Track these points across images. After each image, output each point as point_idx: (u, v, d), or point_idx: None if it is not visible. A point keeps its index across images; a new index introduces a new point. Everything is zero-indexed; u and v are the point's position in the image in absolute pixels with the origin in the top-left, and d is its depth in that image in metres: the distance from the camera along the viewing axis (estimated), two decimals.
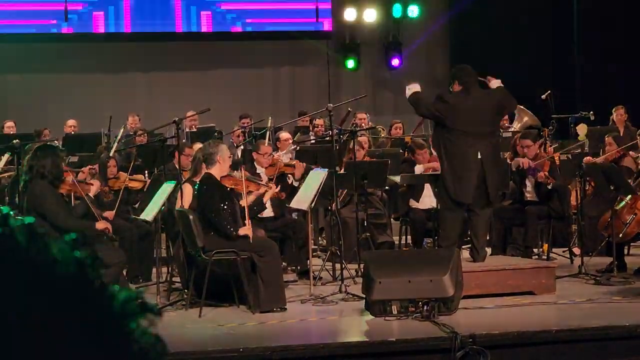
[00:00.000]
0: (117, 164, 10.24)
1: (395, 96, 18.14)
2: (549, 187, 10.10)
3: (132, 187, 10.01)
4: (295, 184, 9.88)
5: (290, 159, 10.84)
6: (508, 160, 10.97)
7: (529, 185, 10.31)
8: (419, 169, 10.59)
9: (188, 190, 8.40)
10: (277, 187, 9.07)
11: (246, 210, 8.11)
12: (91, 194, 8.41)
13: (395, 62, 17.93)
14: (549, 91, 12.76)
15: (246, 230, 7.92)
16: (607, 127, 12.68)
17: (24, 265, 0.88)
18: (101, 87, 16.60)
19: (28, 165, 7.85)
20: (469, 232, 8.77)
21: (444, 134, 8.56)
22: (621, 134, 11.96)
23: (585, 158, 10.47)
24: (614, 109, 13.18)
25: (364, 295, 7.70)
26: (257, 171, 9.90)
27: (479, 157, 8.44)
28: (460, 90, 8.62)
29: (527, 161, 10.11)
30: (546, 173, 10.09)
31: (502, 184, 9.51)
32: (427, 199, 10.42)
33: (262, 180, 9.15)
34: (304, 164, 10.13)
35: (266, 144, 10.58)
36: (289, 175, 10.16)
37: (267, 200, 8.57)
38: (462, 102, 8.51)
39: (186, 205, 8.31)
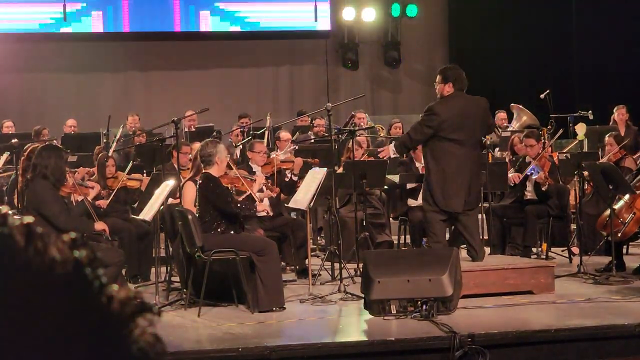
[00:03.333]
0: (115, 164, 10.24)
1: (394, 95, 18.17)
2: (544, 188, 10.13)
3: (130, 186, 10.02)
4: (295, 178, 9.87)
5: (287, 157, 10.84)
6: (507, 160, 10.99)
7: (528, 185, 10.33)
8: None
9: (191, 188, 8.39)
10: (264, 179, 9.10)
11: (254, 195, 8.46)
12: (90, 197, 8.42)
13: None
14: (548, 90, 12.77)
15: (262, 206, 8.52)
16: (606, 127, 12.68)
17: (23, 265, 0.88)
18: (100, 87, 16.61)
19: (31, 164, 7.83)
20: (464, 234, 8.69)
21: (434, 141, 8.48)
22: (622, 134, 11.95)
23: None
24: (615, 108, 13.17)
25: (362, 295, 7.69)
26: (254, 170, 9.89)
27: (468, 163, 8.42)
28: (449, 95, 8.53)
29: (519, 176, 10.17)
30: (546, 174, 10.11)
31: (493, 187, 9.55)
32: None
33: (254, 177, 9.19)
34: (301, 158, 10.17)
35: (262, 143, 10.57)
36: (287, 172, 10.16)
37: (256, 190, 8.55)
38: (451, 110, 8.44)
39: (189, 203, 8.31)
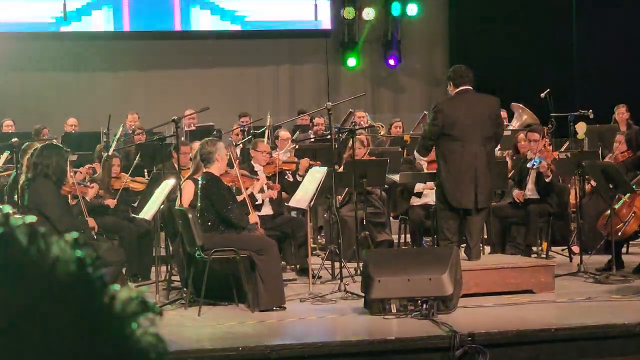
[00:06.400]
0: (120, 164, 10.24)
1: (394, 94, 18.17)
2: (547, 179, 10.10)
3: (133, 188, 10.02)
4: (300, 179, 9.87)
5: (289, 157, 10.84)
6: (507, 159, 10.98)
7: (529, 182, 10.31)
8: (418, 187, 10.50)
9: (189, 187, 8.39)
10: (267, 180, 9.10)
11: (248, 200, 8.47)
12: (88, 198, 8.43)
13: (391, 61, 17.93)
14: (548, 89, 12.76)
15: (254, 217, 8.33)
16: (606, 126, 12.67)
17: (25, 264, 0.88)
18: (100, 86, 16.59)
19: (32, 163, 7.82)
20: (465, 232, 8.72)
21: (442, 138, 8.53)
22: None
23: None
24: (615, 108, 13.16)
25: (363, 294, 7.69)
26: (255, 169, 9.89)
27: (475, 160, 8.42)
28: (455, 94, 8.59)
29: (522, 194, 10.16)
30: (549, 162, 10.07)
31: (495, 186, 9.51)
32: (429, 193, 10.37)
33: (256, 176, 9.20)
34: (307, 159, 10.18)
35: (265, 142, 10.58)
36: (288, 173, 10.16)
37: (257, 191, 8.56)
38: (457, 107, 8.49)
39: (186, 203, 8.31)
